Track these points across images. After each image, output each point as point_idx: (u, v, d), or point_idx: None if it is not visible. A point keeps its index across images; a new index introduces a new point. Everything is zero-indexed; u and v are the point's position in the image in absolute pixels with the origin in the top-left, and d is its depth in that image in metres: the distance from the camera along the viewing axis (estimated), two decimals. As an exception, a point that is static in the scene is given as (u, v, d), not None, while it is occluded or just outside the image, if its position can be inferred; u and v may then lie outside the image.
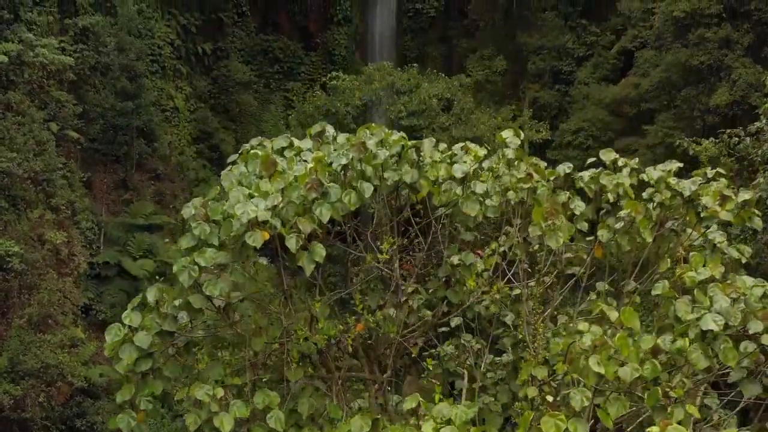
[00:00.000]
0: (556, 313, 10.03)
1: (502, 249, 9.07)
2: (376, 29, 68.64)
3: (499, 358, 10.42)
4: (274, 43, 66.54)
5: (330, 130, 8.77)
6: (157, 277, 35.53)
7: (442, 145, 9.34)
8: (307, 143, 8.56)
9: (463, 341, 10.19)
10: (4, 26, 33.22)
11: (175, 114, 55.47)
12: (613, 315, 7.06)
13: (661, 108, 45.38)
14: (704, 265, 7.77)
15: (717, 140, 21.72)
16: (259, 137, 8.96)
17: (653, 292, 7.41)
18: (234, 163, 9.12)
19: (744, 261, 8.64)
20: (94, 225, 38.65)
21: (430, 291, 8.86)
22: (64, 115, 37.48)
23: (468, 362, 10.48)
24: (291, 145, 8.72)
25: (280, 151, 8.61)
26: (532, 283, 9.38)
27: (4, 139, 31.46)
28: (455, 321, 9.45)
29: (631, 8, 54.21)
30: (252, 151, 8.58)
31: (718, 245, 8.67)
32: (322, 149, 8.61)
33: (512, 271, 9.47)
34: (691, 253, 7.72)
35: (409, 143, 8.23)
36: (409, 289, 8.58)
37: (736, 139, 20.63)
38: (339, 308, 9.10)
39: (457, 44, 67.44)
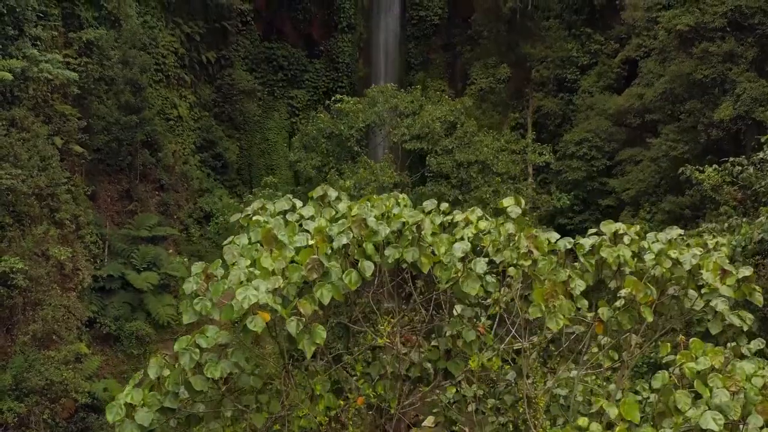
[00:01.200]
0: (556, 365, 10.04)
1: (504, 300, 9.08)
2: (380, 36, 68.74)
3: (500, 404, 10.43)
4: (278, 50, 66.67)
5: (332, 194, 8.78)
6: (160, 291, 35.36)
7: (444, 205, 9.34)
8: (308, 210, 8.58)
9: (463, 393, 10.20)
10: (8, 42, 33.26)
11: (179, 123, 55.56)
12: (613, 412, 7.07)
13: (665, 119, 45.32)
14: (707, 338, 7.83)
15: (720, 168, 21.74)
16: (261, 199, 8.96)
17: (653, 384, 7.42)
18: (238, 225, 9.11)
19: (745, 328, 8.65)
20: (99, 239, 38.72)
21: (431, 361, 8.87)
22: (69, 129, 37.57)
23: (469, 409, 10.51)
24: (293, 207, 8.75)
25: (283, 213, 8.65)
26: (534, 339, 9.40)
27: (8, 156, 31.52)
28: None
29: (634, 17, 54.10)
30: (255, 218, 8.59)
31: (719, 312, 8.68)
32: (324, 212, 8.65)
33: (514, 325, 9.48)
34: (691, 340, 7.71)
35: (410, 220, 8.23)
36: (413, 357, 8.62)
37: (739, 168, 20.62)
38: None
39: (461, 51, 67.50)
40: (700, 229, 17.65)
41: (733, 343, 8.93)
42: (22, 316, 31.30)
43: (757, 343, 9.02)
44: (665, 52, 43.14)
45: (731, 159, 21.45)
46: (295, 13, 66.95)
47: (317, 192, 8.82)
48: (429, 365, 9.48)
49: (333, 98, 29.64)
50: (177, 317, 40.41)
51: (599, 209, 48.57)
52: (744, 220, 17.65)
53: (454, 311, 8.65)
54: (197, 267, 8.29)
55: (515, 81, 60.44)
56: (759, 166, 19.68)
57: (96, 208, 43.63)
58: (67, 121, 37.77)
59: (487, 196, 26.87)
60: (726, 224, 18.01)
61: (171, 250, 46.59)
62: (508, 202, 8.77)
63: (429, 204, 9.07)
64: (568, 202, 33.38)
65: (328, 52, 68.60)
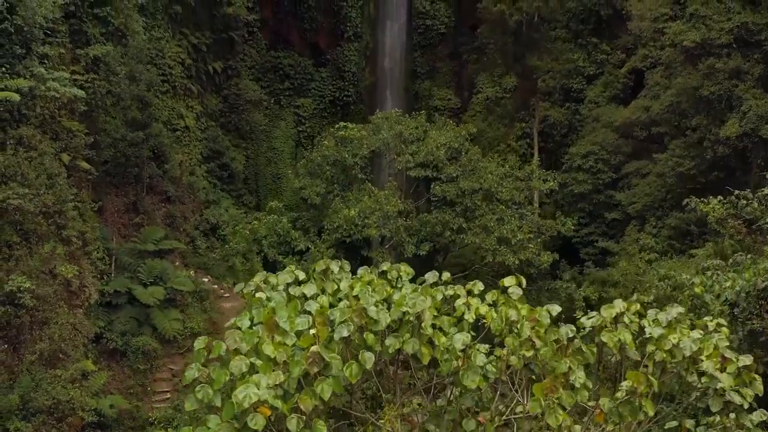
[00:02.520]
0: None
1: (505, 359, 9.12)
2: (387, 45, 68.84)
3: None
4: (284, 59, 66.83)
5: (334, 268, 8.85)
6: (166, 305, 35.46)
7: (446, 274, 9.39)
8: (310, 288, 8.63)
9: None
10: (16, 61, 33.39)
11: (185, 133, 55.70)
12: None
13: (671, 132, 45.31)
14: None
15: (725, 200, 21.71)
16: (264, 272, 9.03)
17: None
18: (241, 294, 9.18)
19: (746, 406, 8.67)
20: (105, 255, 38.86)
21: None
22: (76, 144, 37.71)
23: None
24: (296, 280, 8.82)
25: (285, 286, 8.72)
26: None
27: (16, 175, 31.66)
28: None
29: (641, 28, 54.04)
30: (257, 294, 8.67)
31: (720, 389, 8.70)
32: (327, 285, 8.72)
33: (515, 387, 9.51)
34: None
35: (411, 310, 8.25)
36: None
37: (744, 201, 20.61)
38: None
39: (468, 60, 67.55)
40: (705, 265, 17.63)
41: (733, 415, 8.99)
42: (29, 335, 31.42)
43: (759, 415, 9.06)
44: (671, 68, 43.09)
45: (736, 192, 21.46)
46: (302, 23, 67.11)
47: (319, 266, 8.88)
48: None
49: (337, 126, 29.68)
50: (183, 331, 40.59)
51: (605, 222, 48.61)
52: (749, 256, 17.66)
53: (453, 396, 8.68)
54: (200, 343, 8.36)
55: (521, 90, 60.45)
56: (764, 202, 19.71)
57: (103, 221, 43.79)
58: (74, 137, 37.89)
59: (492, 224, 26.89)
60: (731, 260, 18.00)
61: (177, 263, 46.72)
62: (509, 281, 8.81)
63: (430, 276, 9.10)
64: (572, 227, 33.42)
65: (335, 61, 68.71)
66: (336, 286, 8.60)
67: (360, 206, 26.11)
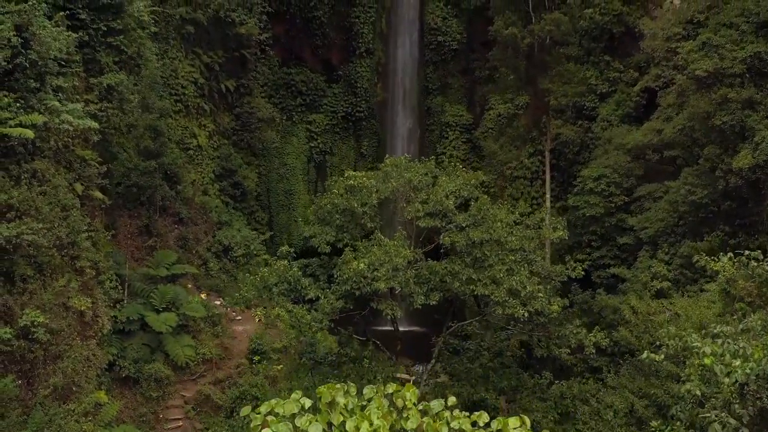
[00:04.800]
0: None
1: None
2: (399, 61, 69.12)
3: None
4: (296, 76, 67.15)
5: (340, 399, 8.94)
6: (178, 331, 35.69)
7: (452, 399, 9.45)
8: (316, 429, 8.72)
9: None
10: (30, 94, 33.64)
11: (198, 152, 56.05)
12: None
13: (684, 155, 45.09)
14: None
15: (735, 259, 21.63)
16: (271, 401, 9.14)
17: None
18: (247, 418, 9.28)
19: None
20: (118, 283, 39.13)
21: None
22: (89, 174, 37.96)
23: None
24: (303, 408, 8.92)
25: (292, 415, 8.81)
26: None
27: (29, 210, 31.88)
28: None
29: (653, 47, 53.86)
30: (268, 418, 8.76)
31: None
32: (333, 416, 8.81)
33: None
34: None
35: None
36: None
37: (755, 262, 20.54)
38: None
39: (480, 76, 67.61)
40: (714, 331, 17.59)
41: None
42: (43, 369, 31.66)
43: None
44: (683, 96, 42.92)
45: (746, 252, 21.40)
46: (314, 39, 67.38)
47: (326, 397, 8.97)
48: None
49: (346, 175, 29.78)
50: (195, 358, 40.83)
51: (617, 246, 48.49)
52: (760, 322, 17.62)
53: None
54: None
55: (534, 108, 60.36)
56: (775, 264, 19.65)
57: (116, 243, 44.12)
58: (87, 167, 38.16)
59: (501, 275, 26.94)
60: (741, 326, 17.97)
61: (190, 285, 47.03)
62: (513, 423, 8.86)
63: (436, 405, 9.18)
64: (582, 273, 33.41)
65: (347, 77, 68.98)
66: (342, 418, 8.69)
67: (369, 258, 26.18)
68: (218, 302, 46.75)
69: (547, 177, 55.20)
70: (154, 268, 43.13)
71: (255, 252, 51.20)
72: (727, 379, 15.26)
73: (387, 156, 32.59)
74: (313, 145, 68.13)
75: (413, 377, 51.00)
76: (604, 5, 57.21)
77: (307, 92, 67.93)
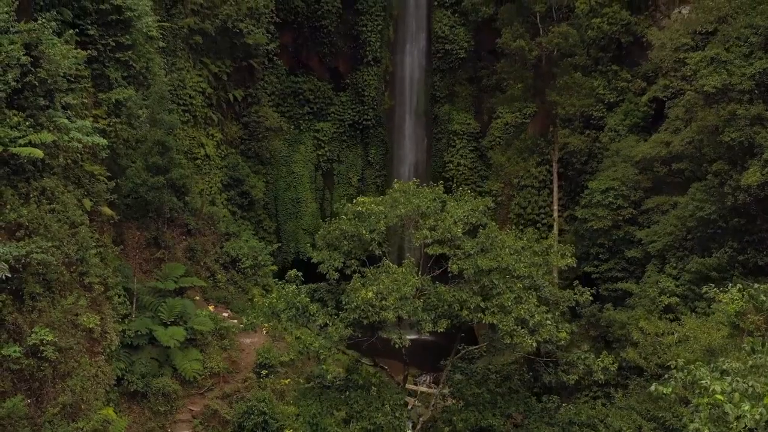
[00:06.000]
0: None
1: None
2: (406, 69, 69.26)
3: None
4: (304, 84, 67.26)
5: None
6: (186, 345, 35.65)
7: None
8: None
9: None
10: (40, 112, 33.76)
11: (206, 161, 56.20)
12: None
13: (692, 168, 45.00)
14: None
15: (744, 291, 21.59)
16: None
17: None
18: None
19: None
20: (126, 299, 39.22)
21: None
22: (98, 189, 38.08)
23: None
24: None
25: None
26: None
27: (39, 228, 31.99)
28: None
29: (661, 57, 53.79)
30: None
31: None
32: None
33: None
34: None
35: None
36: None
37: (764, 297, 20.47)
38: None
39: (487, 85, 67.61)
40: (724, 367, 17.55)
41: None
42: (52, 387, 31.75)
43: None
44: (692, 112, 42.83)
45: (755, 285, 21.36)
46: (322, 47, 67.52)
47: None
48: None
49: (354, 201, 29.81)
50: (203, 371, 40.87)
51: (625, 258, 48.40)
52: (768, 358, 17.57)
53: None
54: None
55: (541, 117, 60.39)
56: (784, 300, 19.60)
57: (124, 256, 44.21)
58: (96, 182, 38.29)
59: (509, 303, 26.93)
60: (750, 362, 17.93)
61: (198, 297, 47.09)
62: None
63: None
64: (590, 297, 33.36)
65: (354, 85, 69.08)
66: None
67: (377, 286, 26.21)
68: (226, 314, 46.82)
69: (555, 186, 55.16)
70: (163, 281, 43.18)
71: (262, 263, 51.25)
72: (736, 423, 15.24)
73: (396, 180, 32.59)
74: (320, 153, 68.25)
75: (419, 388, 51.11)
76: (611, 15, 57.17)
77: (315, 100, 68.06)
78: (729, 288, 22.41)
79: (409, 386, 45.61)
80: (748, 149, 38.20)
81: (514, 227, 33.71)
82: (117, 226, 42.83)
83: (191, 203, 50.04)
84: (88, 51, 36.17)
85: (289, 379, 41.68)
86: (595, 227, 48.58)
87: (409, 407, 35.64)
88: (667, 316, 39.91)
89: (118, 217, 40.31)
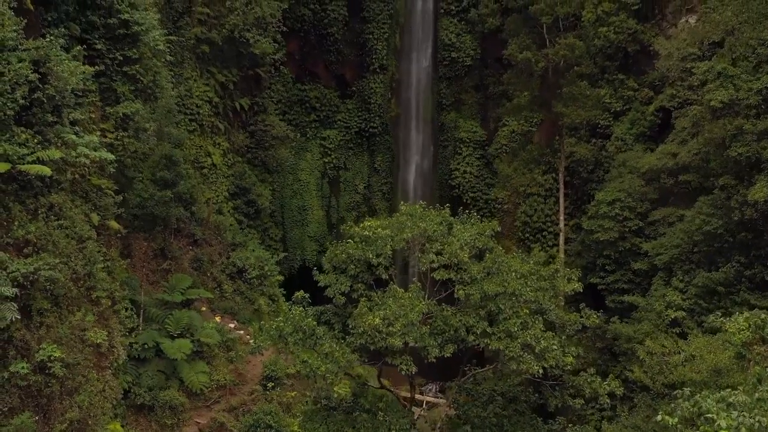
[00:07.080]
0: None
1: None
2: (412, 77, 69.26)
3: None
4: (310, 92, 67.41)
5: None
6: (193, 357, 35.70)
7: None
8: None
9: None
10: (47, 128, 33.84)
11: (212, 170, 56.30)
12: None
13: (699, 180, 44.90)
14: None
15: (751, 318, 21.57)
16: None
17: None
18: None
19: None
20: (133, 312, 39.34)
21: None
22: (105, 203, 38.15)
23: None
24: None
25: None
26: None
27: (47, 245, 32.10)
28: None
29: (668, 67, 53.62)
30: None
31: None
32: None
33: None
34: None
35: None
36: None
37: (771, 327, 20.51)
38: None
39: (493, 92, 67.56)
40: (730, 400, 17.60)
41: None
42: (59, 403, 31.86)
43: None
44: (699, 125, 42.78)
45: (762, 315, 21.36)
46: (328, 55, 67.62)
47: None
48: None
49: (361, 224, 29.90)
50: (209, 384, 41.01)
51: (631, 270, 48.33)
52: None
53: None
54: None
55: (547, 125, 60.37)
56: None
57: (131, 268, 44.34)
58: (104, 196, 38.35)
59: (516, 329, 26.97)
60: (757, 395, 17.96)
61: (204, 308, 47.19)
62: None
63: None
64: (597, 321, 33.37)
65: (360, 93, 69.18)
66: None
67: (384, 311, 26.27)
68: (232, 325, 46.95)
69: (561, 195, 55.13)
70: (170, 293, 43.34)
71: (269, 273, 51.35)
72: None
73: (402, 203, 32.66)
74: (326, 160, 68.38)
75: (425, 398, 51.12)
76: (618, 24, 57.00)
77: (321, 108, 68.17)
78: (735, 317, 22.43)
79: (416, 396, 45.63)
80: (755, 164, 38.15)
81: (519, 247, 33.69)
82: (124, 239, 42.93)
83: (198, 213, 50.19)
84: (96, 65, 36.26)
85: (295, 392, 41.79)
86: (601, 238, 48.53)
87: (416, 417, 35.63)
88: (674, 330, 39.86)
89: (126, 231, 40.40)
